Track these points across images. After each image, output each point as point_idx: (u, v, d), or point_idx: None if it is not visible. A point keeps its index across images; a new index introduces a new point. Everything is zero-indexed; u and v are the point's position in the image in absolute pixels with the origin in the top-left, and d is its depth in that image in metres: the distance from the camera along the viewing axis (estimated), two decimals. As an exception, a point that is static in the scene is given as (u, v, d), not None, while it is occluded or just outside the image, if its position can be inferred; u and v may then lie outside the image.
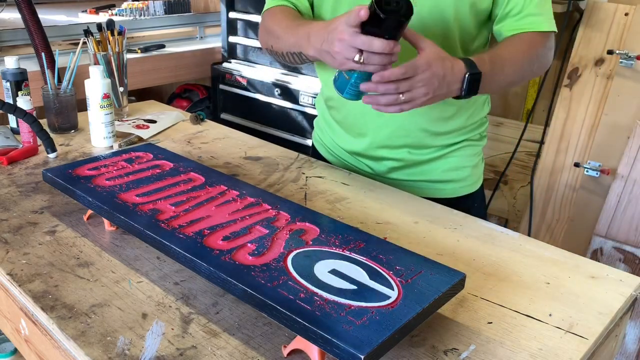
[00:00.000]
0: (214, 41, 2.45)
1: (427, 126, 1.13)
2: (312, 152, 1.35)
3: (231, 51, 2.29)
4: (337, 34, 0.89)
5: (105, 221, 0.91)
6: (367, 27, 0.85)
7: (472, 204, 1.22)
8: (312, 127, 2.01)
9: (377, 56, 0.88)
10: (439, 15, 1.05)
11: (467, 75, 0.93)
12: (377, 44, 0.87)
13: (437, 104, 1.05)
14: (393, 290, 0.65)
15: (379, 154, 1.18)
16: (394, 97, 0.90)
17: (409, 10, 0.84)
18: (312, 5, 1.19)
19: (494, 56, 1.01)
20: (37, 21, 1.75)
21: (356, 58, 0.88)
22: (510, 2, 1.06)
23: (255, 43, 2.17)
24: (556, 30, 1.09)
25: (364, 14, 0.86)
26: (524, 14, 1.06)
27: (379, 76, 0.88)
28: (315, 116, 2.02)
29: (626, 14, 1.89)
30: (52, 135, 1.22)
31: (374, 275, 0.68)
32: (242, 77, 2.20)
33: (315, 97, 1.96)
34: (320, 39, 0.94)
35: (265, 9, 1.20)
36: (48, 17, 2.26)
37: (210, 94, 2.45)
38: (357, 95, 0.94)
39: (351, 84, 0.92)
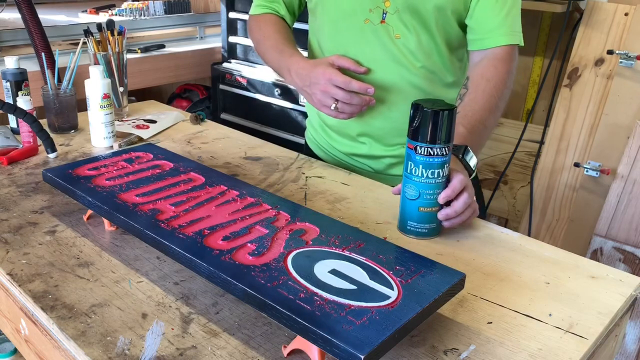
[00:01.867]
0: (214, 41, 2.45)
1: None
2: (306, 151, 1.36)
3: (231, 51, 2.29)
4: (320, 87, 1.05)
5: (105, 221, 0.91)
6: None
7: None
8: (311, 127, 2.02)
9: (350, 106, 1.05)
10: (420, 22, 1.08)
11: (461, 158, 0.97)
12: (356, 99, 1.04)
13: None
14: (393, 290, 0.65)
15: (376, 153, 1.21)
16: (471, 209, 0.92)
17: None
18: (296, 7, 1.27)
19: (470, 118, 1.04)
20: (37, 21, 1.75)
21: (332, 107, 1.05)
22: (476, 10, 1.09)
23: (255, 43, 2.17)
24: (522, 44, 1.11)
25: (372, 91, 1.04)
26: (490, 26, 1.08)
27: (445, 197, 0.88)
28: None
29: (626, 14, 1.89)
30: (52, 135, 1.22)
31: (373, 275, 0.68)
32: (242, 77, 2.20)
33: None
34: (302, 81, 1.10)
35: (251, 12, 1.29)
36: (48, 17, 2.26)
37: (210, 94, 2.45)
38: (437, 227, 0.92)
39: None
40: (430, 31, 1.09)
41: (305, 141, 1.40)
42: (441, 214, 0.89)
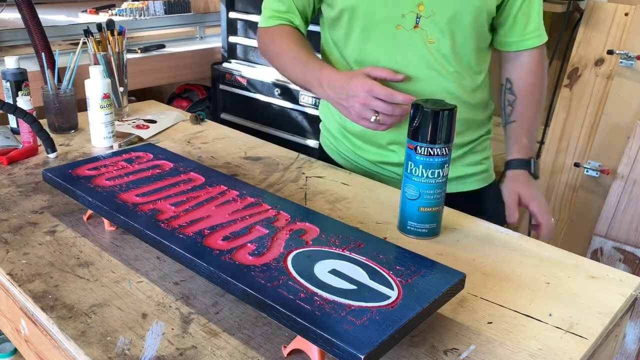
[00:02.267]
0: (214, 41, 2.45)
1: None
2: (320, 156, 1.32)
3: (231, 51, 2.29)
4: (359, 99, 1.00)
5: (105, 221, 0.91)
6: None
7: (493, 194, 1.26)
8: (312, 127, 2.02)
9: (391, 118, 1.01)
10: (456, 25, 1.07)
11: (532, 172, 1.16)
12: (398, 110, 1.00)
13: (467, 107, 1.14)
14: (393, 290, 0.65)
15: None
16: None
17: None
18: (309, 16, 1.21)
19: (528, 127, 1.16)
20: (37, 21, 1.75)
21: (372, 119, 1.01)
22: (519, 14, 1.10)
23: (256, 43, 2.17)
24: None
25: (409, 102, 0.97)
26: (531, 27, 1.12)
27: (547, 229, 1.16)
28: (315, 117, 2.02)
29: (626, 14, 1.89)
30: (52, 135, 1.22)
31: (373, 275, 0.68)
32: (242, 77, 2.20)
33: (316, 98, 1.96)
34: (337, 94, 1.04)
35: (262, 25, 1.21)
36: (48, 17, 2.26)
37: (210, 94, 2.45)
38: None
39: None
40: (464, 34, 1.08)
41: (320, 146, 1.36)
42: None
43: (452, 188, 1.19)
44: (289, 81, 2.05)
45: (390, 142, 1.17)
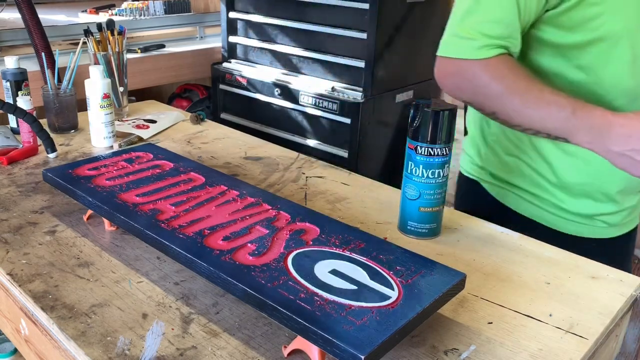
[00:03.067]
0: (214, 41, 2.45)
1: None
2: (467, 192, 1.14)
3: (231, 51, 2.29)
4: None
5: (105, 221, 0.91)
6: None
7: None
8: (312, 127, 2.02)
9: None
10: None
11: None
12: None
13: None
14: (393, 290, 0.65)
15: (622, 206, 1.08)
16: None
17: None
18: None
19: None
20: (37, 21, 1.75)
21: None
22: None
23: (255, 43, 2.17)
24: None
25: None
26: None
27: None
28: (315, 116, 2.02)
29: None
30: (52, 135, 1.22)
31: (374, 275, 0.68)
32: (242, 77, 2.20)
33: (316, 98, 1.96)
34: (624, 144, 0.83)
35: (468, 56, 0.93)
36: (48, 17, 2.26)
37: (210, 94, 2.45)
38: None
39: None
40: None
41: (474, 182, 1.17)
42: None
43: (631, 225, 1.14)
44: (289, 81, 2.07)
45: (620, 191, 1.05)
